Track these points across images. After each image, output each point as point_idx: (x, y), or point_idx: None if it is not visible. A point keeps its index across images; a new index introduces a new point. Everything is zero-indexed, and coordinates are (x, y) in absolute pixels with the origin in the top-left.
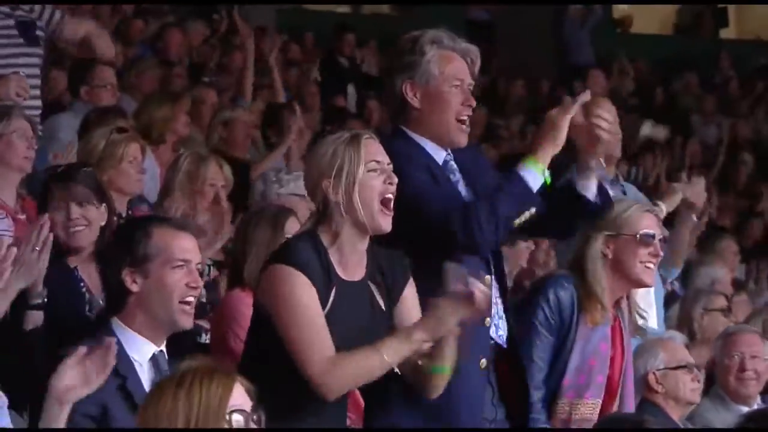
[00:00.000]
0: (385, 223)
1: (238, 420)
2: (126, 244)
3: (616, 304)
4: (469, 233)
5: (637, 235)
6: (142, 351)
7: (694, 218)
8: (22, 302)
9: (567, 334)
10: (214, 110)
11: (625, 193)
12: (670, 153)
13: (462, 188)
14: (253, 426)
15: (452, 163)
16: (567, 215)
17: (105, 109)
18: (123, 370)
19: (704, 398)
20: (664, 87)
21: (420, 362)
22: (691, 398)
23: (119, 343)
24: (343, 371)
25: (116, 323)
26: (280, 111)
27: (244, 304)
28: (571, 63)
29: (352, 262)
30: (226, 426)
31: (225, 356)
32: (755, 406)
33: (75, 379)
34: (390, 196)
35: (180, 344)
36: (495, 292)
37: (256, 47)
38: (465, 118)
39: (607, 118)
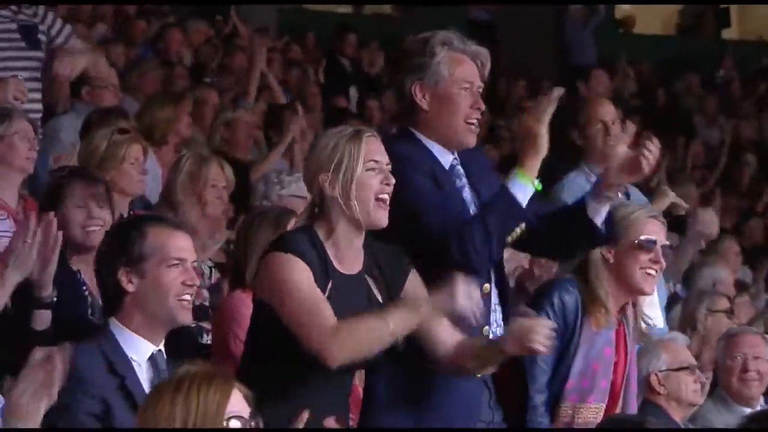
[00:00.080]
0: (382, 218)
1: (235, 426)
2: (121, 244)
3: (622, 309)
4: (464, 254)
5: (637, 240)
6: (141, 351)
7: (703, 243)
8: (30, 301)
9: (571, 338)
10: (215, 111)
11: (628, 196)
12: (672, 154)
13: (467, 194)
14: None
15: (459, 167)
16: (572, 236)
17: (107, 110)
18: (121, 370)
19: (707, 399)
20: (666, 88)
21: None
22: (693, 399)
23: (118, 342)
24: (346, 337)
25: (114, 324)
26: (281, 111)
27: (245, 306)
28: (573, 63)
29: (348, 256)
30: None
31: (226, 358)
32: (758, 408)
33: (29, 390)
34: (385, 196)
35: (181, 345)
36: (494, 299)
37: (251, 48)
38: (474, 121)
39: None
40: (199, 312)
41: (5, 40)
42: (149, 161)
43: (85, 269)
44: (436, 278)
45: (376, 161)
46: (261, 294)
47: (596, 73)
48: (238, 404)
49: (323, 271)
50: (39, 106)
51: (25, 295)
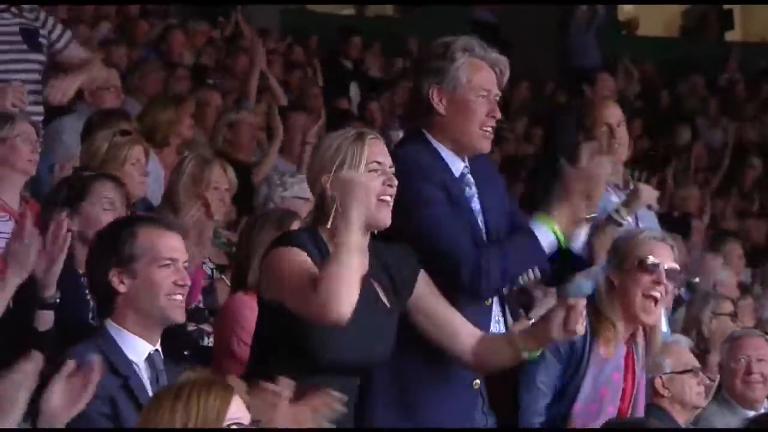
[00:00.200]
0: (385, 217)
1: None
2: (112, 244)
3: (632, 336)
4: (475, 280)
5: (638, 262)
6: (138, 350)
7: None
8: (34, 302)
9: (579, 362)
10: (218, 112)
11: (638, 220)
12: (674, 156)
13: (476, 203)
14: None
15: (469, 176)
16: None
17: (108, 112)
18: (123, 370)
19: (711, 402)
20: (669, 89)
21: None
22: (696, 402)
23: (116, 343)
24: (330, 284)
25: (110, 325)
26: (283, 114)
27: (248, 308)
28: (577, 66)
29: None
30: None
31: (228, 360)
32: (762, 410)
33: (63, 399)
34: (388, 197)
35: (182, 347)
36: (496, 308)
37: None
38: (489, 128)
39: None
40: (196, 315)
41: (7, 42)
42: (151, 163)
43: None
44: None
45: (378, 163)
46: (265, 292)
47: (602, 77)
48: (238, 411)
49: None
50: (40, 108)
51: (28, 295)
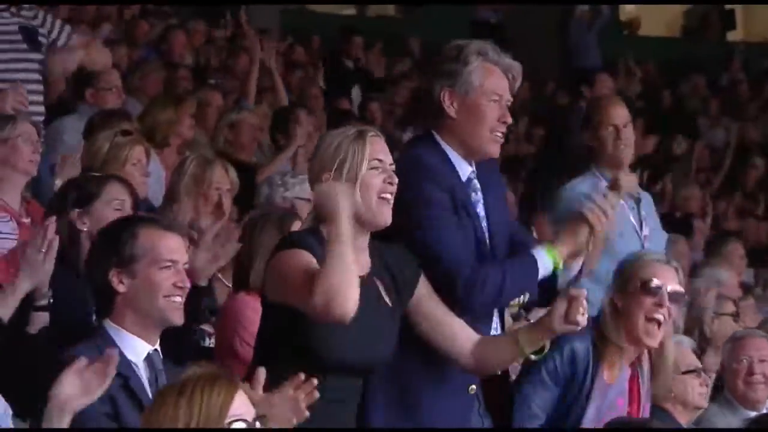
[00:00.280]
0: (386, 216)
1: (239, 428)
2: (112, 244)
3: (637, 359)
4: (469, 296)
5: (640, 283)
6: (137, 350)
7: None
8: (27, 303)
9: (581, 387)
10: (219, 113)
11: (639, 201)
12: (677, 157)
13: (481, 209)
14: None
15: (475, 180)
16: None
17: (109, 112)
18: (123, 370)
19: (713, 403)
20: (671, 89)
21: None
22: (699, 403)
23: (115, 343)
24: (329, 280)
25: (109, 325)
26: (288, 115)
27: (250, 308)
28: (578, 66)
29: (355, 256)
30: None
31: (230, 360)
32: (764, 411)
33: (75, 388)
34: (388, 195)
35: (183, 348)
36: (496, 319)
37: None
38: (499, 133)
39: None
40: (196, 315)
41: (6, 41)
42: (152, 163)
43: None
44: None
45: (379, 160)
46: (270, 294)
47: (601, 77)
48: (242, 407)
49: None
50: (41, 108)
51: (24, 297)
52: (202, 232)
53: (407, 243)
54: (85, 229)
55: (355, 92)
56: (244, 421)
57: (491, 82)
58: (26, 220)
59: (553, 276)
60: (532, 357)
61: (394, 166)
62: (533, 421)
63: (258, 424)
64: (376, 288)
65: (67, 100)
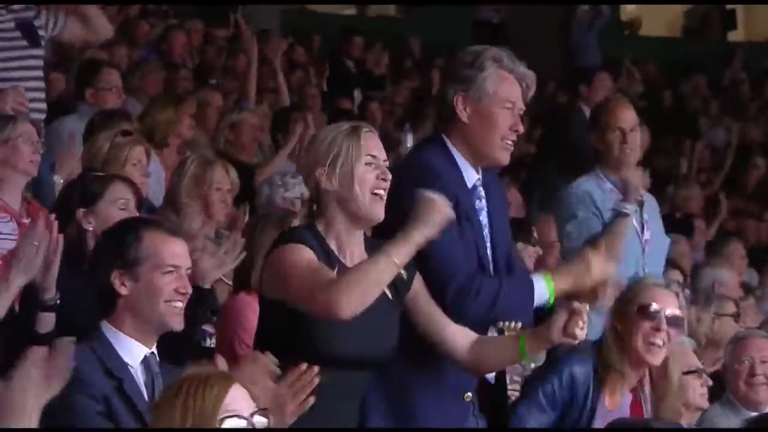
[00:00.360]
0: (378, 211)
1: (233, 424)
2: (116, 246)
3: (639, 383)
4: (459, 304)
5: (638, 307)
6: (134, 353)
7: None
8: (34, 304)
9: (581, 412)
10: (219, 113)
11: (642, 204)
12: (677, 156)
13: (484, 217)
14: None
15: (481, 188)
16: None
17: (110, 112)
18: (117, 372)
19: (715, 403)
20: (672, 90)
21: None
22: (700, 403)
23: (112, 345)
24: (349, 282)
25: (106, 327)
26: (289, 116)
27: (250, 308)
28: (578, 65)
29: (351, 251)
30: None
31: (231, 360)
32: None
33: (31, 387)
34: (381, 191)
35: (184, 349)
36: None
37: (260, 50)
38: (509, 141)
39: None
40: (198, 315)
41: (6, 39)
42: (152, 164)
43: None
44: None
45: (373, 156)
46: (268, 291)
47: (599, 76)
48: (239, 402)
49: (328, 264)
50: (43, 105)
51: (29, 297)
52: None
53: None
54: (90, 229)
55: (357, 93)
56: (239, 416)
57: (505, 90)
58: (26, 221)
59: (546, 308)
60: (523, 362)
61: (387, 163)
62: None
63: (259, 419)
64: None
65: (67, 99)
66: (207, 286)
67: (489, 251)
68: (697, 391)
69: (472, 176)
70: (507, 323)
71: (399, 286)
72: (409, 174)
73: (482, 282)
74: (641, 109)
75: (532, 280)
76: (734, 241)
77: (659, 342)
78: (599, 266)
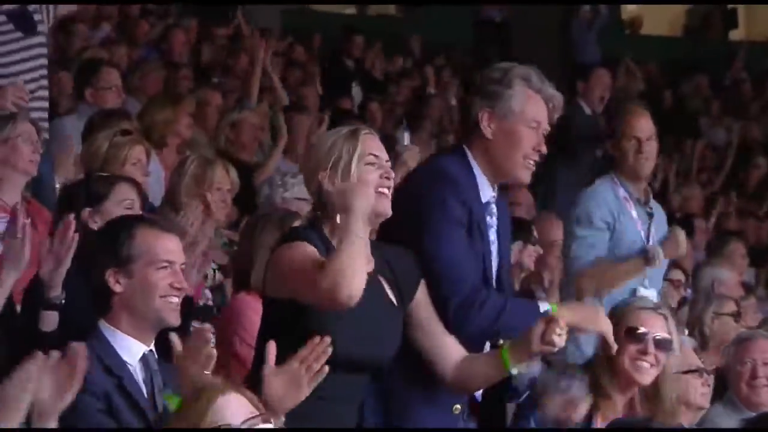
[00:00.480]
0: (385, 206)
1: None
2: (110, 244)
3: (631, 408)
4: (461, 317)
5: (624, 330)
6: (132, 351)
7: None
8: (39, 302)
9: None
10: (218, 112)
11: (652, 216)
12: (678, 156)
13: (493, 234)
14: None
15: (493, 205)
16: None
17: (109, 112)
18: (117, 370)
19: (717, 403)
20: (673, 89)
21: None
22: (701, 403)
23: (110, 344)
24: (337, 264)
25: (104, 325)
26: (287, 114)
27: (251, 308)
28: (579, 64)
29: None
30: None
31: (231, 361)
32: None
33: (51, 390)
34: (385, 190)
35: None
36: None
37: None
38: (531, 161)
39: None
40: (204, 312)
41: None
42: (151, 163)
43: None
44: None
45: (375, 156)
46: (271, 290)
47: (597, 72)
48: (228, 411)
49: None
50: (45, 93)
51: (34, 295)
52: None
53: (412, 248)
54: (96, 228)
55: (356, 91)
56: (228, 425)
57: (531, 109)
58: (26, 220)
59: None
60: (514, 371)
61: (390, 162)
62: None
63: (253, 425)
64: (381, 286)
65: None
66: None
67: (494, 269)
68: (698, 390)
69: (487, 192)
70: (505, 342)
71: (404, 291)
72: (426, 177)
73: (488, 296)
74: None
75: (537, 305)
76: (735, 241)
77: (646, 365)
78: (607, 323)
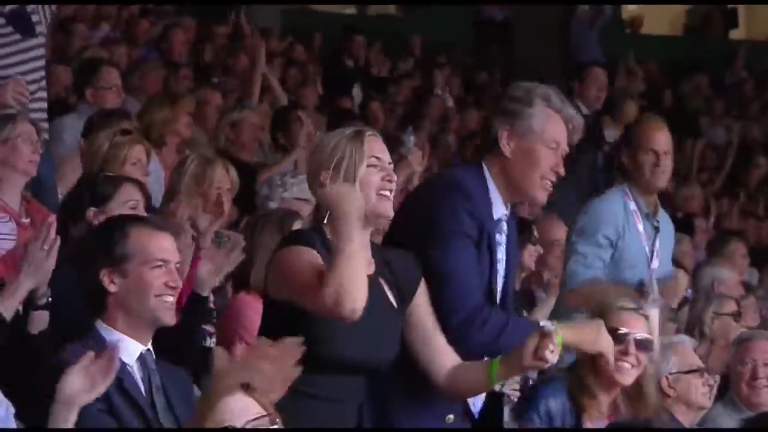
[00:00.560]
0: (386, 208)
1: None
2: (103, 244)
3: (615, 409)
4: (463, 331)
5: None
6: (129, 351)
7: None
8: (27, 303)
9: None
10: (218, 112)
11: (657, 230)
12: (678, 156)
13: (501, 251)
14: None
15: (504, 223)
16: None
17: (109, 111)
18: (117, 372)
19: (717, 403)
20: (673, 89)
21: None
22: (702, 402)
23: (107, 345)
24: (339, 278)
25: (100, 325)
26: (288, 115)
27: (251, 308)
28: (577, 63)
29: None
30: None
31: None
32: None
33: (81, 384)
34: (387, 192)
35: (184, 348)
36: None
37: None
38: (549, 181)
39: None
40: (204, 314)
41: None
42: (151, 163)
43: None
44: None
45: (377, 158)
46: (272, 291)
47: (592, 72)
48: (231, 411)
49: None
50: (44, 94)
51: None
52: (201, 233)
53: (420, 256)
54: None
55: (356, 91)
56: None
57: (551, 129)
58: (26, 221)
59: None
60: (496, 387)
61: (392, 165)
62: None
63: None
64: (381, 288)
65: (67, 98)
66: (205, 293)
67: (499, 286)
68: (699, 390)
69: (500, 209)
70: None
71: (403, 292)
72: (441, 187)
73: (490, 314)
74: (642, 108)
75: (539, 324)
76: (736, 241)
77: (627, 366)
78: (607, 342)
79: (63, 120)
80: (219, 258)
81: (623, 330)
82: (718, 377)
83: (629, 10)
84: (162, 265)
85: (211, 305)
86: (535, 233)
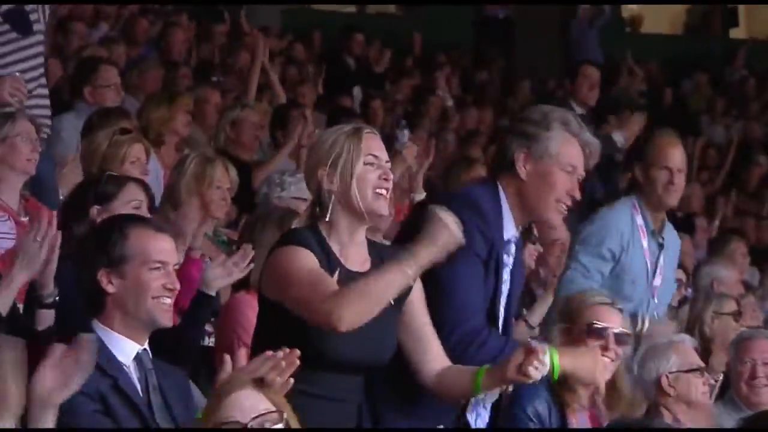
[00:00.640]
0: (381, 206)
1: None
2: (102, 244)
3: (593, 403)
4: (462, 347)
5: (585, 326)
6: (126, 351)
7: None
8: (33, 301)
9: None
10: (217, 110)
11: (662, 247)
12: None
13: (507, 273)
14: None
15: (513, 245)
16: None
17: (108, 110)
18: (112, 371)
19: (717, 403)
20: (673, 88)
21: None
22: (702, 401)
23: (104, 344)
24: (350, 296)
25: (97, 325)
26: (287, 113)
27: (249, 307)
28: (577, 62)
29: (352, 252)
30: None
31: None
32: None
33: (54, 381)
34: (383, 191)
35: (183, 348)
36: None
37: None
38: (564, 205)
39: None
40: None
41: None
42: (151, 162)
43: None
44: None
45: (375, 156)
46: (267, 291)
47: (585, 70)
48: (236, 408)
49: (328, 267)
50: (45, 91)
51: (30, 295)
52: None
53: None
54: None
55: (357, 91)
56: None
57: (568, 153)
58: (24, 219)
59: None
60: (480, 396)
61: (390, 164)
62: None
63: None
64: None
65: (65, 97)
66: (211, 293)
67: (502, 307)
68: (699, 389)
69: (510, 230)
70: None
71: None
72: (456, 203)
73: (489, 337)
74: (642, 108)
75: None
76: (736, 240)
77: (606, 361)
78: (602, 374)
79: (61, 119)
80: (230, 264)
81: (601, 325)
82: (720, 376)
83: (629, 9)
84: (160, 267)
85: None
86: (535, 232)
